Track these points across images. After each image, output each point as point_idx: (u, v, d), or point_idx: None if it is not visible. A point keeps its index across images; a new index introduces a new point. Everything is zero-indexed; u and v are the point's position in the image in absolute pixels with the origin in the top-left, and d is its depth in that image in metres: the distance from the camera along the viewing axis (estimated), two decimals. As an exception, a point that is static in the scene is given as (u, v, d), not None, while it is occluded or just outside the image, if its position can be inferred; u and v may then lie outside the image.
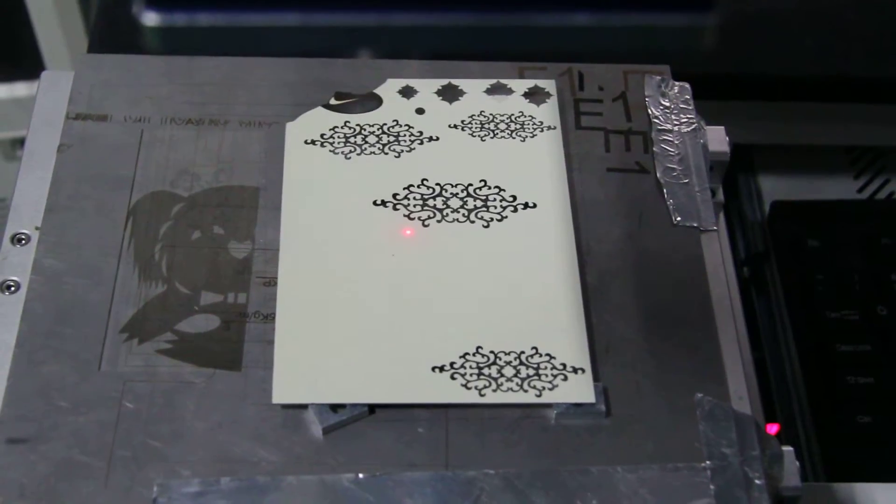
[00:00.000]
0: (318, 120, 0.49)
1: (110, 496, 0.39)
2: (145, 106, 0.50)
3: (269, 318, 0.44)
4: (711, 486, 0.41)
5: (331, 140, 0.49)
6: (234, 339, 0.43)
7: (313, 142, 0.49)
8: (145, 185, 0.47)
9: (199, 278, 0.45)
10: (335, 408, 0.41)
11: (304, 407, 0.41)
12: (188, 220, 0.46)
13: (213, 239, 0.46)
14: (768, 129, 0.63)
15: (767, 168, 0.64)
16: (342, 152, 0.48)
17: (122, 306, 0.44)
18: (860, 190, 0.64)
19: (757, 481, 0.41)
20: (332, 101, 0.50)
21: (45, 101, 0.50)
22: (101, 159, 0.48)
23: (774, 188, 0.63)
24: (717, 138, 0.51)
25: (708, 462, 0.41)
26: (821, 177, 0.64)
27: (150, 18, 0.51)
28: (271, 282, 0.45)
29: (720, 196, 0.51)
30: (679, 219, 0.47)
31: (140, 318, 0.44)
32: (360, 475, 0.40)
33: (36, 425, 0.41)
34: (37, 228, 0.46)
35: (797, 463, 0.42)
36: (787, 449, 0.42)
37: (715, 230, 0.47)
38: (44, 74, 0.52)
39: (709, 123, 0.51)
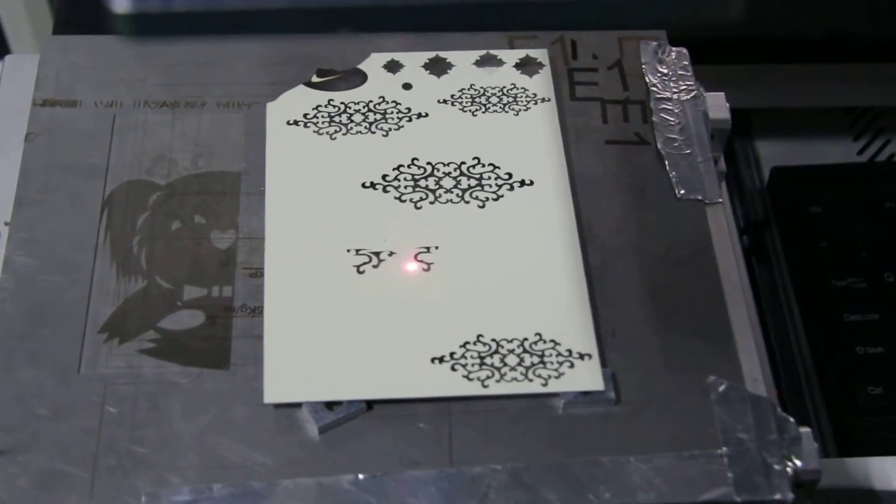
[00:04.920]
0: (301, 99, 0.47)
1: (96, 508, 0.37)
2: (117, 89, 0.47)
3: (257, 311, 0.41)
4: (729, 474, 0.39)
5: (314, 120, 0.46)
6: (221, 335, 0.41)
7: (296, 122, 0.46)
8: (120, 173, 0.45)
9: (181, 272, 0.42)
10: (330, 405, 0.39)
11: (297, 406, 0.39)
12: (167, 210, 0.44)
13: (194, 229, 0.43)
14: (764, 93, 0.61)
15: (764, 133, 0.62)
16: (327, 132, 0.46)
17: (101, 304, 0.41)
18: (860, 152, 0.62)
19: (776, 466, 0.39)
20: (314, 79, 0.47)
21: (10, 86, 0.48)
22: (72, 148, 0.45)
23: (772, 153, 0.61)
24: (718, 105, 0.48)
25: (724, 448, 0.39)
26: (819, 140, 0.62)
27: (121, 5, 0.48)
28: (257, 273, 0.42)
29: (722, 165, 0.49)
30: (683, 192, 0.45)
31: (120, 317, 0.41)
32: (360, 476, 0.38)
33: (14, 435, 0.38)
34: (6, 224, 0.44)
35: (816, 444, 0.40)
36: (805, 430, 0.40)
37: (720, 202, 0.45)
38: (7, 58, 0.49)
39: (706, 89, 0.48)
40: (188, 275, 0.42)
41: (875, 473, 0.49)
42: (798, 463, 0.40)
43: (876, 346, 0.52)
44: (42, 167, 0.45)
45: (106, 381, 0.40)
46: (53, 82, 0.47)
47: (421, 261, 0.42)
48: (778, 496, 0.38)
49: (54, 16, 0.53)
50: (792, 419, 0.40)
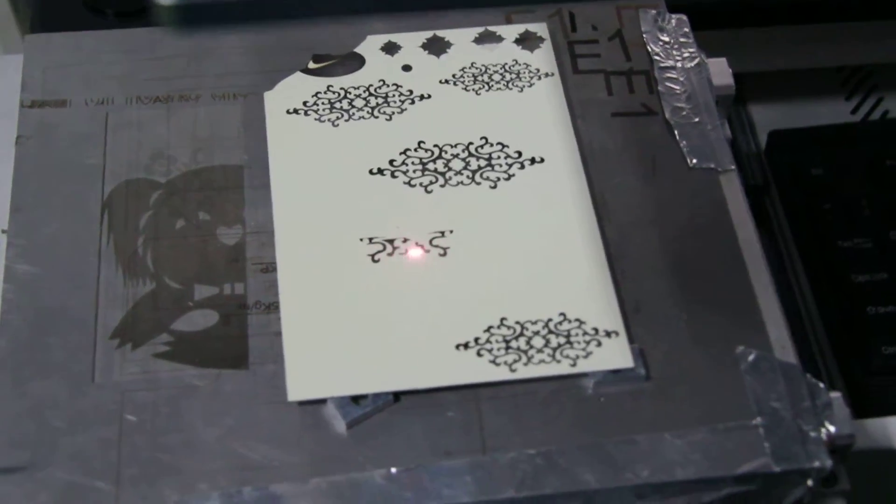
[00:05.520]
0: (299, 86, 0.45)
1: (124, 520, 0.36)
2: (106, 86, 0.45)
3: (272, 307, 0.40)
4: (766, 444, 0.38)
5: (315, 107, 0.45)
6: (237, 334, 0.40)
7: (296, 111, 0.45)
8: (118, 173, 0.43)
9: (190, 271, 0.41)
10: (356, 399, 0.38)
11: (322, 402, 0.38)
12: (170, 208, 0.42)
13: (199, 226, 0.42)
14: (754, 57, 0.60)
15: (756, 97, 0.61)
16: (329, 119, 0.45)
17: (109, 309, 0.40)
18: (853, 111, 0.61)
19: (812, 434, 0.38)
20: (311, 65, 0.46)
21: (-7, 89, 0.46)
22: (66, 149, 0.44)
23: (765, 118, 0.61)
24: (721, 71, 0.48)
25: (759, 419, 0.39)
26: (812, 101, 0.61)
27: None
28: (269, 268, 0.41)
29: (727, 131, 0.49)
30: (695, 161, 0.44)
31: (130, 321, 0.40)
32: (393, 470, 0.37)
33: (31, 450, 0.37)
34: (3, 231, 0.42)
35: (847, 409, 0.40)
36: (836, 395, 0.40)
37: (733, 169, 0.44)
38: (-15, 61, 0.47)
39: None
40: (197, 273, 0.41)
41: (895, 433, 0.49)
42: (832, 429, 0.39)
43: (887, 304, 0.51)
44: (36, 170, 0.43)
45: (122, 388, 0.38)
46: (40, 82, 0.45)
47: (436, 246, 0.41)
48: (817, 464, 0.38)
49: (31, 11, 0.51)
50: (822, 385, 0.40)
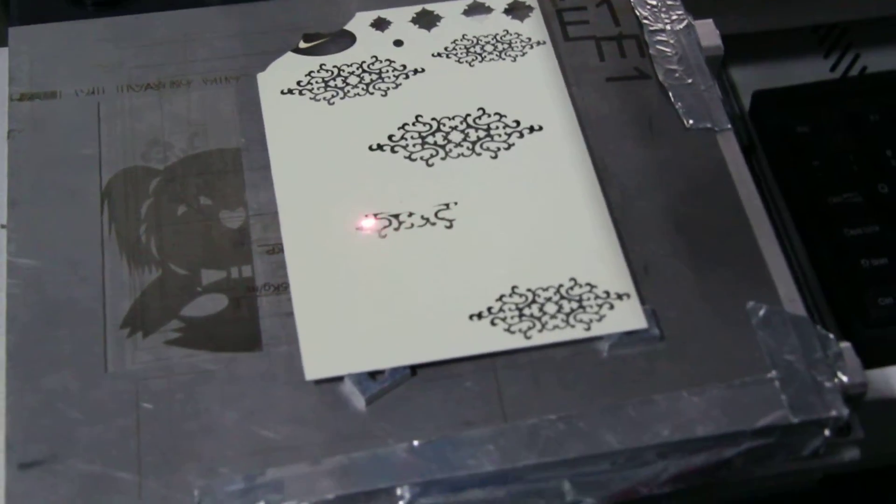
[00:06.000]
0: (291, 66, 0.45)
1: (149, 509, 0.36)
2: (96, 76, 0.45)
3: (281, 288, 0.40)
4: (783, 397, 0.38)
5: (309, 87, 0.45)
6: (248, 316, 0.39)
7: (290, 91, 0.44)
8: (114, 162, 0.43)
9: (196, 256, 0.41)
10: (374, 375, 0.38)
11: (339, 380, 0.38)
12: (170, 195, 0.42)
13: (201, 211, 0.42)
14: (731, 19, 0.60)
15: (736, 59, 0.62)
16: (324, 98, 0.44)
17: (117, 299, 0.40)
18: (832, 68, 0.62)
19: (827, 384, 0.39)
20: (302, 45, 0.46)
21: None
22: (59, 141, 0.43)
23: (746, 79, 0.61)
24: (708, 32, 0.48)
25: (774, 372, 0.39)
26: (790, 61, 0.62)
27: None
28: (275, 249, 0.41)
29: (718, 92, 0.49)
30: (692, 122, 0.44)
31: (139, 310, 0.39)
32: (415, 443, 0.37)
33: (49, 444, 0.37)
34: (2, 227, 0.41)
35: (858, 359, 0.40)
36: (846, 345, 0.40)
37: (729, 128, 0.45)
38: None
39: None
40: (203, 258, 0.41)
41: (896, 382, 0.49)
42: (844, 378, 0.39)
43: (880, 257, 0.52)
44: (31, 164, 0.42)
45: (136, 377, 0.38)
46: (28, 75, 0.45)
47: (442, 218, 0.41)
48: (834, 413, 0.38)
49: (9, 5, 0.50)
50: (832, 335, 0.40)
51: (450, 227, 0.41)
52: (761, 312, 0.40)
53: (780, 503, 0.44)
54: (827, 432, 0.39)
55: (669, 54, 0.46)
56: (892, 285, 0.51)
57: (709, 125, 0.44)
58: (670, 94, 0.45)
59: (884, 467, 0.50)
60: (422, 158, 0.43)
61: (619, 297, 0.40)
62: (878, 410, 0.46)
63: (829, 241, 0.53)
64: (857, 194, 0.53)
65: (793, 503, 0.44)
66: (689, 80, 0.45)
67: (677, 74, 0.46)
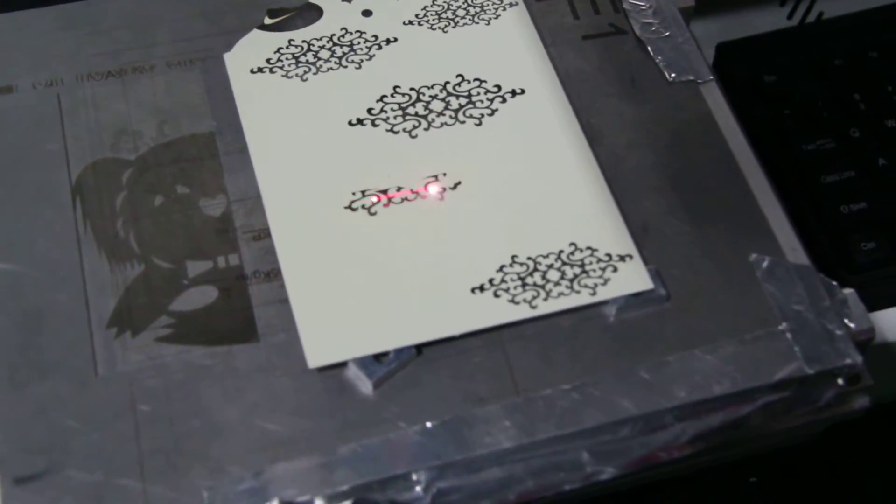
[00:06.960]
0: (259, 44, 0.43)
1: (158, 515, 0.34)
2: (53, 66, 0.43)
3: (272, 275, 0.38)
4: (796, 348, 0.38)
5: (279, 64, 0.43)
6: (240, 306, 0.38)
7: (260, 69, 0.43)
8: (82, 156, 0.41)
9: (179, 248, 0.39)
10: (378, 357, 0.37)
11: (342, 365, 0.37)
12: (144, 185, 0.40)
13: (179, 201, 0.40)
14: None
15: (694, 13, 0.61)
16: (296, 75, 0.42)
17: (100, 298, 0.38)
18: (789, 16, 0.61)
19: (837, 332, 0.38)
20: (267, 21, 0.44)
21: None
22: (21, 137, 0.41)
23: (705, 32, 0.60)
24: (679, -15, 0.47)
25: (784, 324, 0.38)
26: (747, 12, 0.61)
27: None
28: (261, 234, 0.39)
29: (695, 44, 0.48)
30: (674, 75, 0.43)
31: (125, 308, 0.37)
32: (429, 424, 0.36)
33: (45, 455, 0.35)
34: (-32, 232, 0.39)
35: (863, 304, 0.40)
36: (850, 291, 0.40)
37: (712, 80, 0.44)
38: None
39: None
40: (187, 250, 0.39)
41: (887, 325, 0.49)
42: (852, 325, 0.39)
43: (859, 201, 0.51)
44: (-7, 163, 0.40)
45: (130, 378, 0.36)
46: (-21, 70, 0.42)
47: (431, 191, 0.40)
48: (848, 360, 0.38)
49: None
50: (835, 283, 0.40)
51: (441, 198, 0.40)
52: (765, 264, 0.39)
53: (781, 455, 0.44)
54: (840, 381, 0.38)
55: (644, 7, 0.45)
56: (874, 229, 0.51)
57: (691, 77, 0.44)
58: (649, 48, 0.44)
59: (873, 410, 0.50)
60: (404, 130, 0.41)
61: (622, 258, 0.39)
62: (873, 356, 0.46)
63: (807, 189, 0.52)
64: (830, 140, 0.53)
65: (795, 454, 0.44)
66: (667, 33, 0.45)
67: (654, 28, 0.45)
